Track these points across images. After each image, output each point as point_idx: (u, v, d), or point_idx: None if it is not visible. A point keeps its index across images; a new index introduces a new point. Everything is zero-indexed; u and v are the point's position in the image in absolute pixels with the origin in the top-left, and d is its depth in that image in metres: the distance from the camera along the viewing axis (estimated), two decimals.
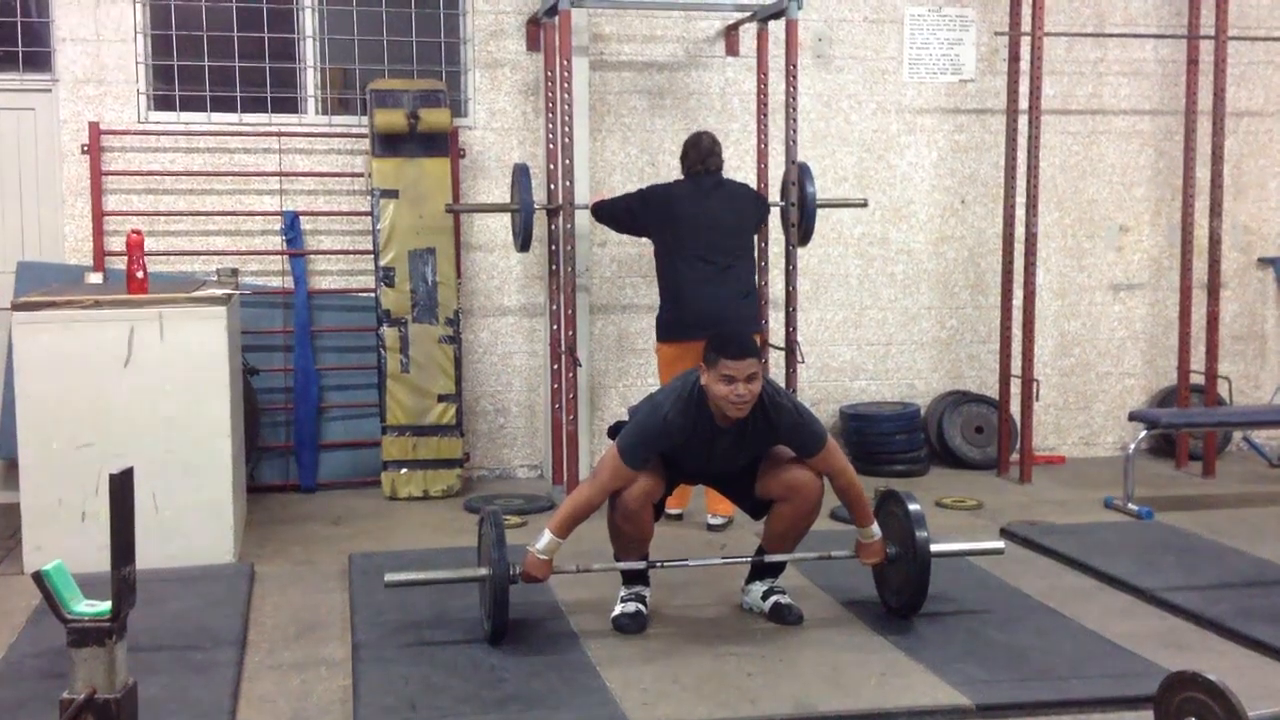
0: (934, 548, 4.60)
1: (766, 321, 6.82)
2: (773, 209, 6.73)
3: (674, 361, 5.84)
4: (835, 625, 4.68)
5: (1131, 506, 6.39)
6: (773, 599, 4.73)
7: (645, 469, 4.46)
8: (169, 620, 4.62)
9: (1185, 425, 7.18)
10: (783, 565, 4.83)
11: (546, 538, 4.43)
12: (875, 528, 4.66)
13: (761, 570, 4.80)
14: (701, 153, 6.13)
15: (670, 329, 6.04)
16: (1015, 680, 4.10)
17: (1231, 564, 5.43)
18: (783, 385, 6.08)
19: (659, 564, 4.72)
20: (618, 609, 4.64)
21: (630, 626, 4.57)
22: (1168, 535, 5.93)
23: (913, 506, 4.64)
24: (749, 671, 4.20)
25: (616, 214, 6.25)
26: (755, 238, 6.44)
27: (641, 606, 4.65)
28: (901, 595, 4.68)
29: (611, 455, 4.47)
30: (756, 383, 4.35)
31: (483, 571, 4.47)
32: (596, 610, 4.73)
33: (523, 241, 6.53)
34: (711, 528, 6.12)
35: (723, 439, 4.48)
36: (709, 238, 5.99)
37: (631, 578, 4.71)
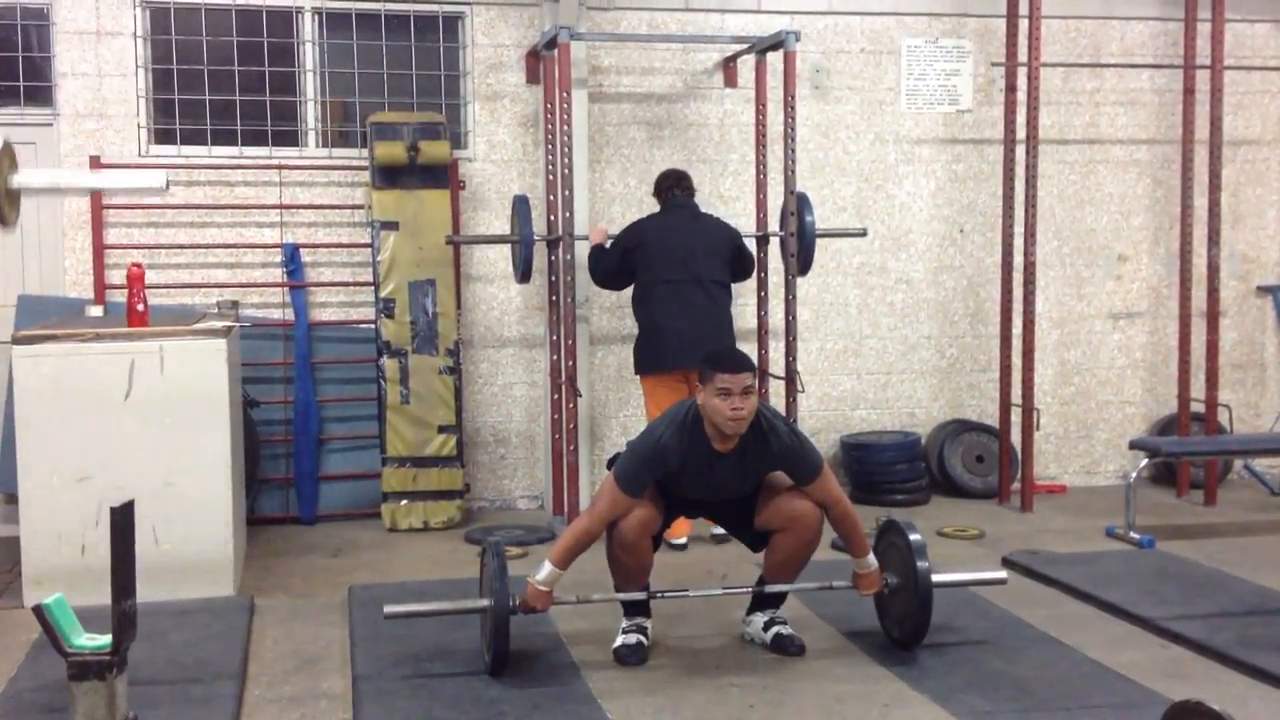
0: (936, 578, 4.58)
1: (765, 351, 6.84)
2: (772, 239, 6.77)
3: (655, 389, 6.08)
4: (837, 656, 4.66)
5: (1133, 535, 6.37)
6: (774, 630, 4.71)
7: (643, 498, 4.46)
8: (169, 653, 4.61)
9: (1186, 453, 7.17)
10: (784, 595, 4.81)
11: (547, 569, 4.42)
12: (871, 558, 4.64)
13: (762, 601, 4.79)
14: (671, 178, 6.35)
15: (647, 362, 6.18)
16: (1019, 711, 4.08)
17: (1234, 592, 5.41)
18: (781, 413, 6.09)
19: (659, 594, 4.71)
20: (618, 640, 4.63)
21: (631, 658, 4.55)
22: (1169, 564, 5.92)
23: (914, 537, 4.63)
24: (750, 703, 4.18)
25: (610, 268, 6.30)
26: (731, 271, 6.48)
27: (642, 638, 4.63)
28: (904, 626, 4.66)
29: (609, 483, 4.47)
30: (753, 397, 4.36)
31: (484, 603, 4.46)
32: (598, 642, 4.72)
33: (522, 273, 6.55)
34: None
35: (720, 465, 4.47)
36: (683, 266, 6.12)
37: (632, 608, 4.69)
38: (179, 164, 6.93)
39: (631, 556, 4.52)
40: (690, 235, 6.18)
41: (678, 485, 4.55)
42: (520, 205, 6.47)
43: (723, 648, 4.77)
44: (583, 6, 7.03)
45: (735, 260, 6.39)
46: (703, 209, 6.62)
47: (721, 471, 4.49)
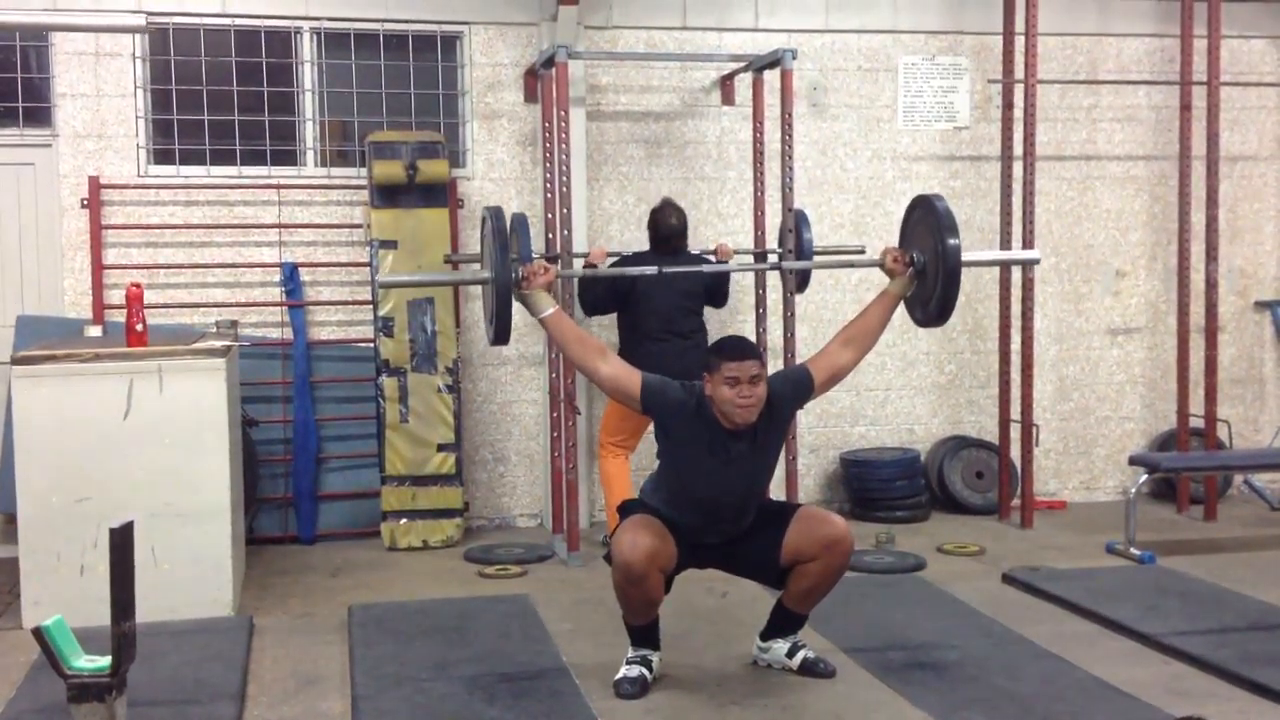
0: (965, 256, 4.54)
1: (764, 369, 6.84)
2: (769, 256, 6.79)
3: (624, 418, 6.28)
4: (838, 673, 4.63)
5: (1133, 551, 6.36)
6: (801, 654, 4.62)
7: (653, 532, 4.35)
8: (168, 674, 4.60)
9: (1186, 469, 7.17)
10: (803, 620, 4.68)
11: (545, 296, 4.50)
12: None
13: (782, 626, 4.67)
14: (666, 230, 6.48)
15: None
16: None
17: (1234, 608, 5.40)
18: None
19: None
20: (620, 671, 4.50)
21: (630, 691, 4.41)
22: (1170, 580, 5.91)
23: (942, 207, 4.54)
24: None
25: (599, 296, 6.47)
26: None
27: (645, 670, 4.50)
28: (929, 306, 4.61)
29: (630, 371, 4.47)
30: (761, 385, 4.29)
31: (485, 274, 4.48)
32: (603, 667, 4.64)
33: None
34: None
35: (737, 444, 4.34)
36: (665, 322, 6.39)
37: (640, 638, 4.56)
38: (178, 184, 6.94)
39: (637, 589, 4.35)
40: (671, 286, 6.34)
41: (691, 475, 4.39)
42: (518, 223, 6.46)
43: (725, 668, 4.75)
44: (580, 25, 7.06)
45: (709, 290, 6.59)
46: (701, 226, 6.65)
47: (740, 450, 4.35)
